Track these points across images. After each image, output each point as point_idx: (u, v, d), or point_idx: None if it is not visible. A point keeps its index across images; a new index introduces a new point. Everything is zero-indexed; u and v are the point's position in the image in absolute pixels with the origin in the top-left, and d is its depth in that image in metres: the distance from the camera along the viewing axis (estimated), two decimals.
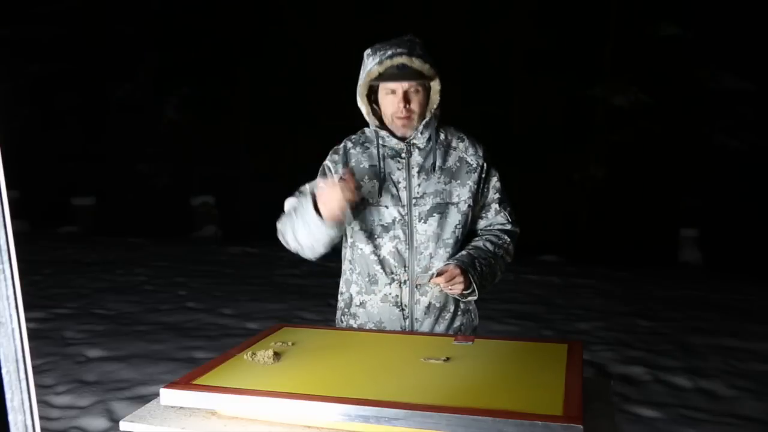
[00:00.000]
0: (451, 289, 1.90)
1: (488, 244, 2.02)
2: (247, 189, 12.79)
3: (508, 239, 2.07)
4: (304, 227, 1.90)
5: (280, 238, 2.01)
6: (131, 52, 12.65)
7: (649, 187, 11.03)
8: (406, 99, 1.93)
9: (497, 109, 11.42)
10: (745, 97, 10.89)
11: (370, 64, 1.93)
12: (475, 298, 1.97)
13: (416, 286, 1.97)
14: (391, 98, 1.95)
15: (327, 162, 2.07)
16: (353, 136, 2.09)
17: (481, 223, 2.09)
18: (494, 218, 2.08)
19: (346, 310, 2.09)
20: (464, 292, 1.91)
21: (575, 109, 11.24)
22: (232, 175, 12.79)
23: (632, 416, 3.61)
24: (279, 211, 2.04)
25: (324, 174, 2.05)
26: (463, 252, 1.98)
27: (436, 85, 1.96)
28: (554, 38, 11.18)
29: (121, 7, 12.50)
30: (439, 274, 1.88)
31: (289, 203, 2.01)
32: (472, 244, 2.03)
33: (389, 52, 1.90)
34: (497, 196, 2.07)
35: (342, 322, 2.10)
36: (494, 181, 2.06)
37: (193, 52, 12.57)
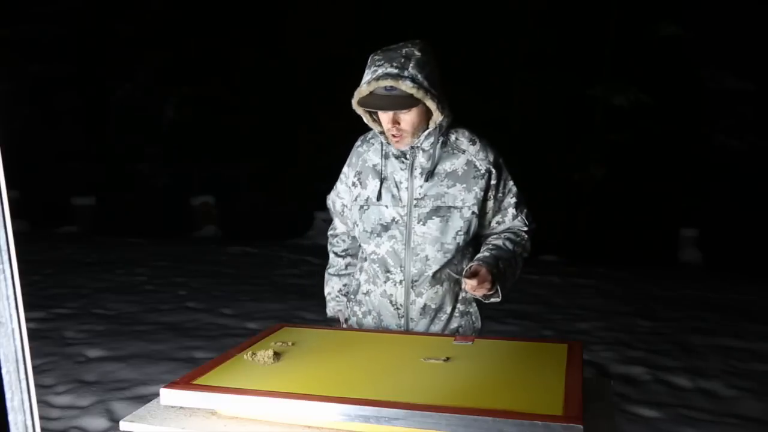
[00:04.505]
0: (475, 292, 1.87)
1: (508, 243, 2.00)
2: (247, 189, 12.79)
3: (526, 236, 2.05)
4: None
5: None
6: (131, 52, 12.65)
7: (649, 187, 11.03)
8: (396, 120, 1.89)
9: (497, 109, 11.42)
10: (745, 97, 10.90)
11: (365, 78, 1.86)
12: (498, 300, 1.94)
13: (436, 274, 1.96)
14: (382, 115, 1.92)
15: (347, 163, 2.12)
16: (368, 134, 2.08)
17: (499, 228, 2.05)
18: (512, 222, 2.04)
19: (352, 296, 2.15)
20: (487, 293, 1.88)
21: (575, 109, 11.24)
22: (232, 175, 12.78)
23: (632, 416, 3.61)
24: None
25: (341, 180, 2.13)
26: (486, 253, 1.95)
27: (432, 104, 1.86)
28: (554, 38, 11.18)
29: (121, 7, 12.51)
30: (472, 275, 1.84)
31: (330, 202, 2.22)
32: (492, 242, 2.01)
33: (379, 71, 1.82)
34: (513, 200, 2.03)
35: (347, 307, 2.17)
36: (510, 185, 2.03)
37: (193, 52, 12.57)
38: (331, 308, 2.26)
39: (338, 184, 2.15)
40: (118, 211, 12.10)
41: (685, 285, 7.75)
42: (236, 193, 12.64)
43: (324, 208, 2.26)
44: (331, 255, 2.27)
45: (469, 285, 1.83)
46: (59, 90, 13.02)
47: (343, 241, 2.22)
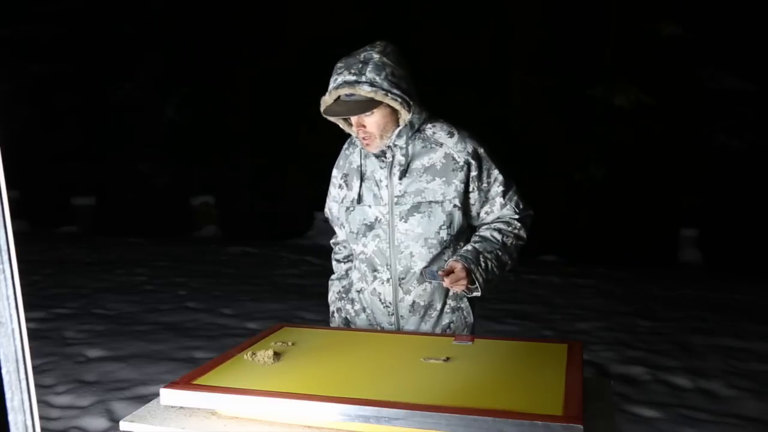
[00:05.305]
0: (453, 288, 1.90)
1: (496, 234, 1.99)
2: (247, 189, 12.79)
3: (519, 224, 2.02)
4: None
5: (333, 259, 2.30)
6: (131, 52, 12.65)
7: (649, 187, 11.03)
8: (360, 124, 1.91)
9: (497, 109, 11.41)
10: (745, 97, 10.89)
11: (329, 87, 1.88)
12: (479, 294, 1.95)
13: (421, 275, 1.97)
14: (352, 120, 1.94)
15: (335, 165, 2.15)
16: (354, 136, 2.08)
17: (489, 218, 2.04)
18: (501, 212, 2.01)
19: (344, 295, 2.17)
20: (470, 287, 1.90)
21: (575, 109, 11.23)
22: (232, 175, 12.79)
23: (632, 416, 3.61)
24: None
25: (333, 183, 2.15)
26: (469, 247, 1.95)
27: (394, 104, 1.86)
28: (554, 38, 11.18)
29: (122, 7, 12.50)
30: (448, 272, 1.86)
31: (327, 209, 2.21)
32: (480, 234, 2.01)
33: (339, 80, 1.85)
34: (500, 188, 2.00)
35: (339, 305, 2.19)
36: (495, 174, 1.99)
37: (193, 52, 12.57)
38: (331, 313, 2.25)
39: (330, 188, 2.16)
40: (118, 211, 12.10)
41: (685, 285, 7.75)
42: (236, 193, 12.64)
43: (324, 207, 2.26)
44: (333, 262, 2.29)
45: (445, 282, 1.86)
46: (59, 90, 13.01)
47: (344, 247, 2.23)
